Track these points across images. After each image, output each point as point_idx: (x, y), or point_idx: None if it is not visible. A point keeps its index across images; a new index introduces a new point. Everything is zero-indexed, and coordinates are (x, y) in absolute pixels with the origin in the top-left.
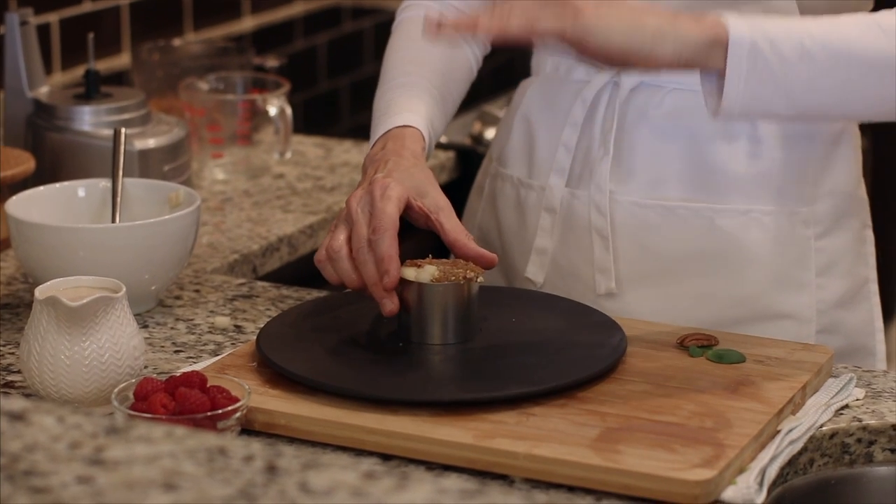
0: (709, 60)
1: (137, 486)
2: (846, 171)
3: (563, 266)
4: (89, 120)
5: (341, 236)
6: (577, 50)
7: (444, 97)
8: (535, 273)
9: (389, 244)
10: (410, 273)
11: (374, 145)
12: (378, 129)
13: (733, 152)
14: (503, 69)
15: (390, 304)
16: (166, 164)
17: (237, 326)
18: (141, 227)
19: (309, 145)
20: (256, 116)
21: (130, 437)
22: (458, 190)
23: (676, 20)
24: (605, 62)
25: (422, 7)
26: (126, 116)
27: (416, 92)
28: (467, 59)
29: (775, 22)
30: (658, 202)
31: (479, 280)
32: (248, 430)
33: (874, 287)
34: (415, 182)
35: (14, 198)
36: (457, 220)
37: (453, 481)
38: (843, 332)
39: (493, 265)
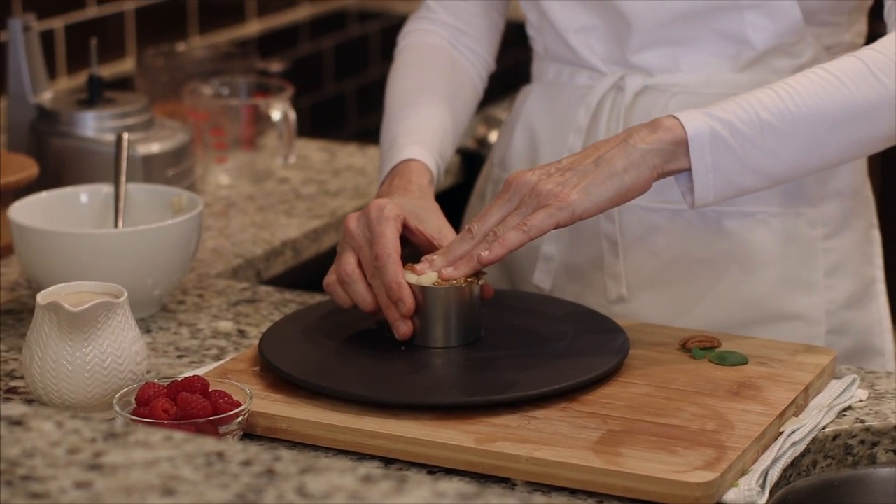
0: (677, 161)
1: (136, 491)
2: (852, 170)
3: (571, 272)
4: (92, 125)
5: (351, 259)
6: (572, 224)
7: (450, 122)
8: (542, 280)
9: (394, 270)
10: (412, 277)
11: (382, 183)
12: (385, 166)
13: None
14: (508, 73)
15: (404, 328)
16: (170, 168)
17: (240, 331)
18: (143, 232)
19: (313, 149)
20: (260, 121)
21: (129, 442)
22: (463, 193)
23: (633, 140)
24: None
25: (423, 32)
26: (129, 122)
27: (420, 122)
28: (472, 80)
29: (727, 104)
30: (665, 205)
31: (480, 283)
32: (250, 434)
33: (882, 287)
34: (415, 208)
35: (17, 203)
36: None
37: (452, 484)
38: (852, 332)
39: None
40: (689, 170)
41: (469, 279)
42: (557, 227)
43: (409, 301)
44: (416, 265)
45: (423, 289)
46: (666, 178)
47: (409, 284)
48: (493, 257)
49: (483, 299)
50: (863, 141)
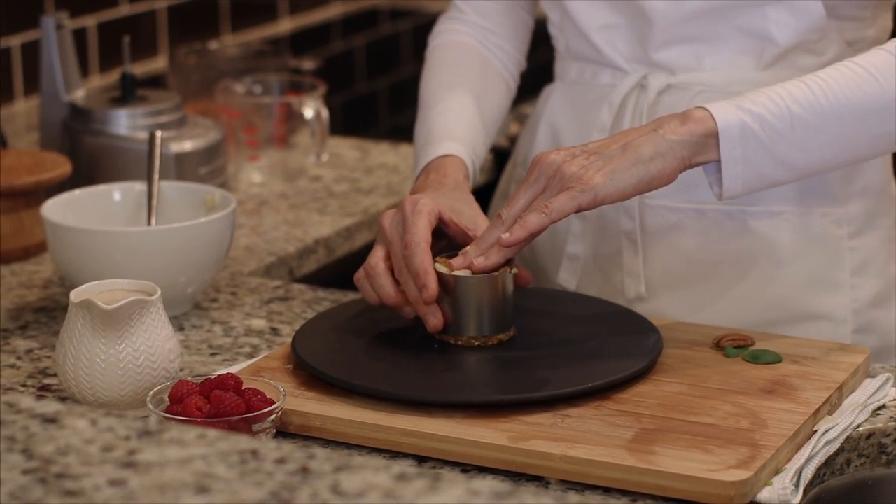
0: (707, 153)
1: (170, 488)
2: (877, 169)
3: (594, 271)
4: (125, 123)
5: (379, 254)
6: (594, 207)
7: (483, 120)
8: (567, 279)
9: (422, 258)
10: (444, 267)
11: (417, 178)
12: (420, 162)
13: None
14: (539, 70)
15: (434, 320)
16: (202, 166)
17: (273, 329)
18: (176, 230)
19: (346, 147)
20: (293, 119)
21: (163, 440)
22: (495, 191)
23: (662, 130)
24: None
25: (453, 32)
26: (162, 119)
27: (454, 118)
28: (503, 78)
29: (757, 96)
30: (689, 205)
31: (512, 272)
32: (283, 432)
33: None
34: (450, 200)
35: (50, 201)
36: None
37: (486, 483)
38: (878, 331)
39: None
40: (717, 161)
41: (501, 268)
42: (579, 209)
43: (432, 287)
44: (451, 260)
45: (455, 278)
46: (693, 178)
47: (441, 274)
48: (513, 239)
49: (519, 286)
50: (891, 135)
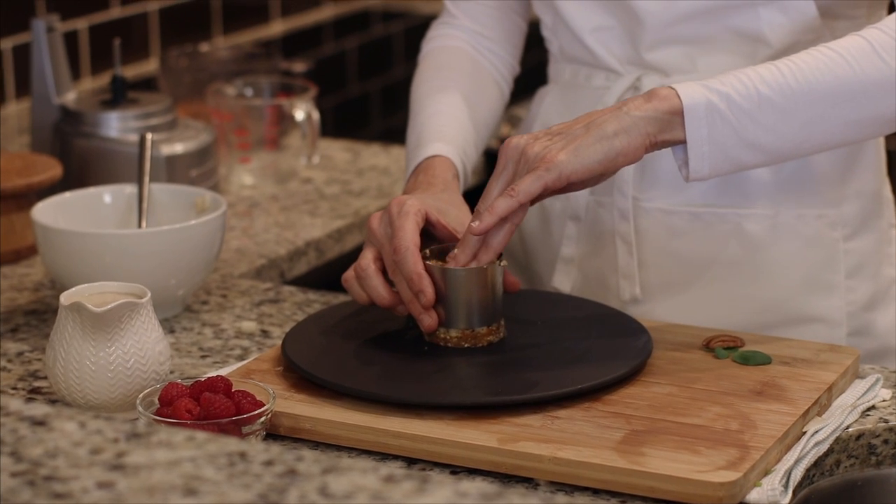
0: (672, 131)
1: (158, 491)
2: (871, 171)
3: (589, 274)
4: (116, 126)
5: (369, 255)
6: (565, 190)
7: (474, 122)
8: (562, 282)
9: (413, 262)
10: (432, 261)
11: (407, 181)
12: (410, 164)
13: None
14: (532, 72)
15: (428, 320)
16: (193, 169)
17: (263, 331)
18: (167, 232)
19: (337, 149)
20: (284, 121)
21: (151, 443)
22: None
23: (626, 107)
24: (595, 184)
25: (445, 37)
26: (153, 122)
27: (444, 120)
28: (496, 82)
29: (725, 77)
30: (684, 208)
31: (502, 264)
32: (273, 434)
33: None
34: (437, 201)
35: (41, 204)
36: None
37: (474, 484)
38: (873, 334)
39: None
40: (684, 142)
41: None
42: (546, 189)
43: (429, 292)
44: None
45: (443, 271)
46: (686, 182)
47: (429, 267)
48: (483, 226)
49: (507, 291)
50: (863, 121)
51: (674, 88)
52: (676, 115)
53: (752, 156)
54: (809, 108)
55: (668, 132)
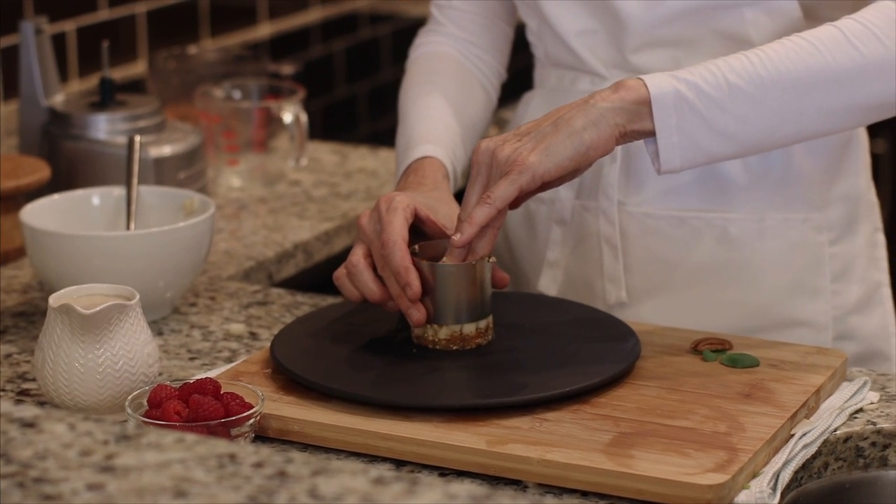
0: (641, 121)
1: (148, 492)
2: (857, 174)
3: (574, 278)
4: (104, 128)
5: (359, 252)
6: (540, 189)
7: (462, 125)
8: (548, 286)
9: (401, 256)
10: (421, 257)
11: (398, 184)
12: (400, 167)
13: (745, 161)
14: (519, 76)
15: (417, 314)
16: (181, 171)
17: (252, 333)
18: (155, 234)
19: (325, 152)
20: (272, 123)
21: (141, 444)
22: None
23: (593, 99)
24: (572, 179)
25: (433, 44)
26: (141, 124)
27: (433, 123)
28: (483, 88)
29: (694, 67)
30: (670, 212)
31: (490, 260)
32: (261, 436)
33: (887, 291)
34: (426, 199)
35: (29, 206)
36: None
37: (463, 487)
38: (858, 338)
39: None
40: (654, 133)
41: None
42: (521, 192)
43: (415, 284)
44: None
45: (432, 267)
46: (672, 184)
47: (418, 262)
48: (465, 238)
49: (496, 288)
50: (837, 110)
51: (641, 79)
52: (644, 105)
53: (724, 146)
54: (780, 97)
55: (636, 122)
